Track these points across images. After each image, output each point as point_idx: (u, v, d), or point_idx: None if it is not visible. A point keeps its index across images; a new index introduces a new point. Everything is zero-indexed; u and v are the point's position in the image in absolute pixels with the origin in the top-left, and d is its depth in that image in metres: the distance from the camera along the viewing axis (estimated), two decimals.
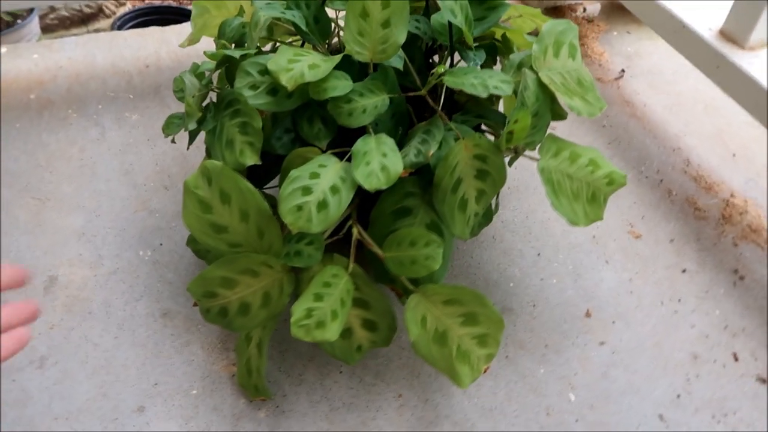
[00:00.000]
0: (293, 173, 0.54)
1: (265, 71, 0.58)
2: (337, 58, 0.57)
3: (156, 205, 0.83)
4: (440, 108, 0.61)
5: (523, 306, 0.76)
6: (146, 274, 0.76)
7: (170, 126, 0.65)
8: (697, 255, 0.82)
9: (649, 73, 1.10)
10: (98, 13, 1.56)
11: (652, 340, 0.74)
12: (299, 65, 0.56)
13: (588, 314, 0.76)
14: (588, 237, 0.84)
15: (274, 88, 0.58)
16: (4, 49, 1.05)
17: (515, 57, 0.64)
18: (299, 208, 0.53)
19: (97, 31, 1.58)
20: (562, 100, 0.63)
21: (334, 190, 0.54)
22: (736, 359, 0.72)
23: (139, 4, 1.65)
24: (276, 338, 0.71)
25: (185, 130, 0.62)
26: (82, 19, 1.55)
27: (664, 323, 0.75)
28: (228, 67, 0.63)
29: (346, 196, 0.54)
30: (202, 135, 0.67)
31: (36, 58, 1.04)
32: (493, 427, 0.66)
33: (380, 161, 0.54)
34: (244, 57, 0.59)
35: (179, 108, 0.96)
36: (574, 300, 0.77)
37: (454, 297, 0.59)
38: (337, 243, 0.62)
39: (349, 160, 0.57)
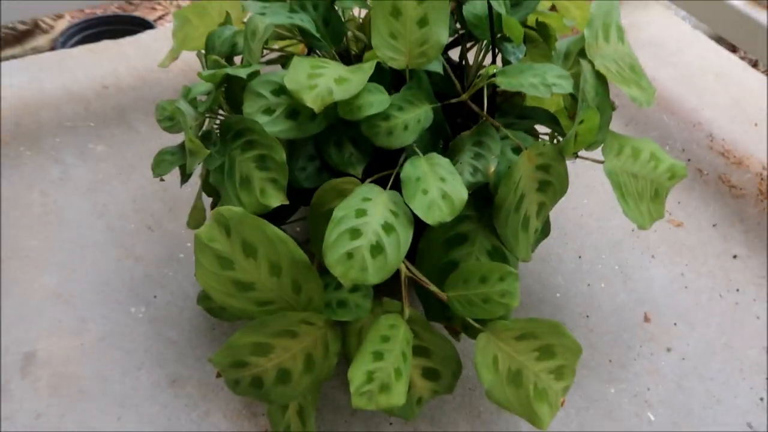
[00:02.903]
0: (338, 213, 0.44)
1: (279, 91, 0.48)
2: (368, 68, 0.47)
3: (141, 251, 0.72)
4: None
5: (576, 318, 0.69)
6: (143, 335, 0.65)
7: (161, 164, 0.54)
8: (744, 237, 0.76)
9: (651, 44, 1.03)
10: (34, 29, 1.39)
11: (720, 341, 0.67)
12: (323, 81, 0.46)
13: (647, 319, 0.69)
14: (626, 232, 0.77)
15: (293, 110, 0.48)
16: None
17: (562, 44, 0.55)
18: (349, 255, 0.43)
19: (35, 50, 1.41)
20: (619, 90, 0.55)
21: (388, 229, 0.44)
22: None
23: (80, 17, 1.48)
24: None
25: (188, 171, 0.51)
26: (17, 38, 1.38)
27: (729, 319, 0.69)
28: (228, 88, 0.52)
29: (405, 236, 0.44)
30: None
31: None
32: None
33: (439, 188, 0.45)
34: (252, 75, 0.48)
35: (150, 134, 0.85)
36: (628, 304, 0.70)
37: (528, 331, 0.51)
38: (379, 284, 0.53)
39: (392, 188, 0.47)
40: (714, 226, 0.78)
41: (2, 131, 0.84)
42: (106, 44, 0.98)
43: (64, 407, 0.60)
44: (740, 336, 0.68)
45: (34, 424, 0.58)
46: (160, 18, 1.59)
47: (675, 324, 0.69)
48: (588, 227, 0.77)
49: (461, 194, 0.44)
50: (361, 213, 0.45)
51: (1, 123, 0.84)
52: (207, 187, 0.60)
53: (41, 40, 1.41)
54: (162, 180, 0.61)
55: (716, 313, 0.69)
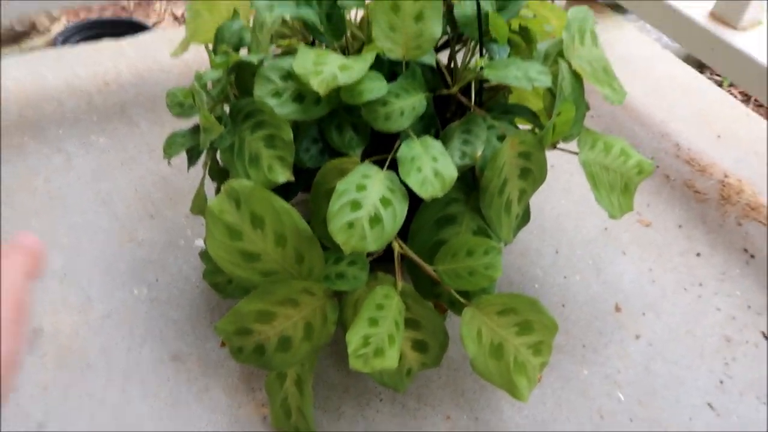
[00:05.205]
0: (341, 186, 0.48)
1: (287, 76, 0.52)
2: (369, 57, 0.52)
3: (143, 236, 0.75)
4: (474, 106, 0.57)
5: (553, 307, 0.73)
6: (145, 315, 0.68)
7: (173, 146, 0.58)
8: (706, 238, 0.82)
9: (622, 60, 1.10)
10: (30, 30, 1.42)
11: (684, 328, 0.72)
12: (328, 68, 0.51)
13: (618, 308, 0.74)
14: (600, 230, 0.83)
15: (299, 94, 0.52)
16: None
17: (542, 47, 0.61)
18: (350, 225, 0.48)
19: (33, 50, 1.44)
20: (593, 88, 0.61)
21: (385, 202, 0.49)
22: (766, 337, 0.72)
23: (75, 19, 1.51)
24: None
25: (201, 148, 0.55)
26: (14, 38, 1.41)
27: (692, 309, 0.74)
28: (238, 74, 0.57)
29: (401, 209, 0.49)
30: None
31: None
32: None
33: (432, 167, 0.49)
34: (261, 62, 0.53)
35: (150, 128, 0.89)
36: (602, 295, 0.75)
37: (509, 306, 0.55)
38: (375, 261, 0.57)
39: (389, 168, 0.52)
40: (680, 227, 0.84)
41: (3, 121, 0.87)
42: (106, 43, 1.02)
43: (71, 379, 0.62)
44: (702, 325, 0.73)
45: (41, 394, 0.61)
46: (154, 24, 1.63)
47: (643, 314, 0.74)
48: (564, 225, 0.83)
49: (452, 172, 0.49)
50: (361, 188, 0.49)
51: (1, 113, 0.87)
52: (213, 172, 0.64)
53: (38, 41, 1.44)
54: (169, 164, 0.65)
55: (681, 304, 0.75)
